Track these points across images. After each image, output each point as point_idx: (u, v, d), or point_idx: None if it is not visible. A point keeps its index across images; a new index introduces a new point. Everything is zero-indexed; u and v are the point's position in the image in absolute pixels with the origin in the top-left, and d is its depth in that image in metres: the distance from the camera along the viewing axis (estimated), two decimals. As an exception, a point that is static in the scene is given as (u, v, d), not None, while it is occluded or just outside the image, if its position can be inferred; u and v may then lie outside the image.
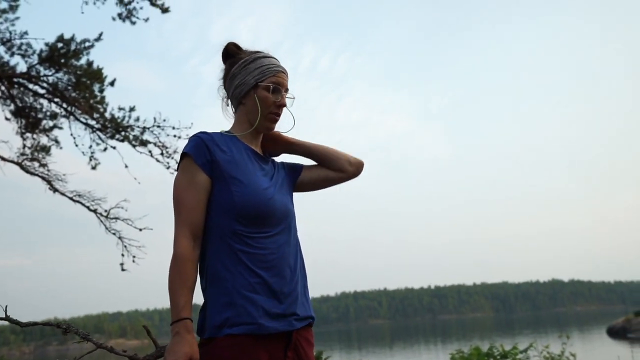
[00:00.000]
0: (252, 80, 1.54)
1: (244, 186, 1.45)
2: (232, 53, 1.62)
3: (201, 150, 1.46)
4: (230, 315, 1.37)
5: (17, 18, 8.13)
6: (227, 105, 1.66)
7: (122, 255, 7.52)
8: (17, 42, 7.76)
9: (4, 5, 8.06)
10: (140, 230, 7.50)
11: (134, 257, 7.56)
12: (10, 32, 7.83)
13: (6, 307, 2.18)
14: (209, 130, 1.56)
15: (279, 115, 1.58)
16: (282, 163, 1.72)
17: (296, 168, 1.69)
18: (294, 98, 1.62)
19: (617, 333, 29.23)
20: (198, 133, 1.51)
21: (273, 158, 1.68)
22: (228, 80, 1.60)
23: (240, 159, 1.50)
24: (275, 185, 1.56)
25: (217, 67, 1.67)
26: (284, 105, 1.58)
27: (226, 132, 1.59)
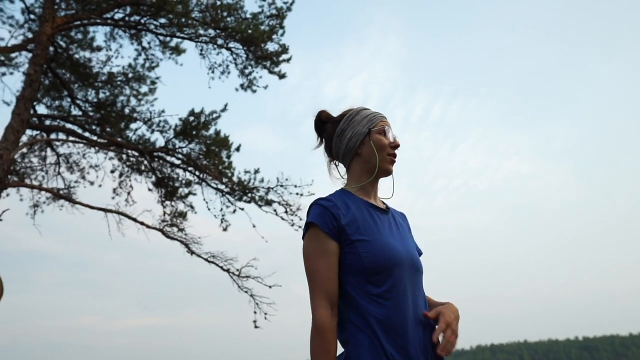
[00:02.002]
0: (364, 129, 1.59)
1: (370, 245, 1.44)
2: (326, 119, 1.69)
3: (326, 218, 1.47)
4: None
5: (156, 99, 9.12)
6: (336, 166, 1.70)
7: (255, 312, 7.75)
8: (156, 120, 8.65)
9: (145, 89, 9.10)
10: (270, 287, 7.72)
11: (265, 314, 7.75)
12: (150, 112, 8.78)
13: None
14: (328, 192, 1.59)
15: (395, 156, 1.61)
16: (404, 216, 1.71)
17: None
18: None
19: None
20: (319, 200, 1.53)
21: (389, 206, 1.67)
22: (336, 137, 1.64)
23: (361, 218, 1.50)
24: (401, 236, 1.55)
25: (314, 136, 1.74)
26: (398, 145, 1.61)
27: (343, 189, 1.60)
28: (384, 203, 1.67)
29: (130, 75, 9.08)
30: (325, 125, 1.70)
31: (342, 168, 1.70)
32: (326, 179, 1.73)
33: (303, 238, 1.52)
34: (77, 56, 9.08)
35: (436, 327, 1.43)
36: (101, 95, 9.10)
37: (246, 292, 7.88)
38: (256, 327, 7.57)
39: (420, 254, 1.68)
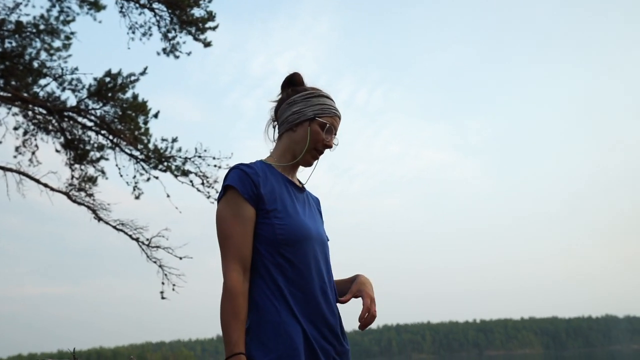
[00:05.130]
0: (310, 113, 1.57)
1: (284, 217, 1.46)
2: (297, 82, 1.65)
3: (247, 183, 1.46)
4: (274, 354, 1.36)
5: (70, 55, 8.56)
6: (273, 128, 1.67)
7: (163, 283, 7.61)
8: (68, 77, 8.14)
9: (58, 43, 8.52)
10: (181, 258, 7.61)
11: (174, 285, 7.64)
12: (62, 69, 8.24)
13: (74, 349, 2.23)
14: (248, 161, 1.57)
15: (321, 153, 1.60)
16: (317, 201, 1.74)
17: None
18: (337, 144, 1.64)
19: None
20: (240, 165, 1.51)
21: (305, 187, 1.68)
22: (286, 104, 1.61)
23: (279, 191, 1.51)
24: (312, 215, 1.59)
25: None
26: (331, 147, 1.60)
27: (265, 160, 1.60)
28: (300, 183, 1.68)
29: (42, 27, 8.44)
30: (289, 87, 1.66)
31: (276, 133, 1.67)
32: (246, 153, 1.70)
33: (219, 201, 1.49)
34: (-20, -1, 8.31)
35: (361, 301, 1.52)
36: (7, 45, 8.41)
37: (155, 262, 7.71)
38: (163, 297, 7.45)
39: (327, 239, 1.70)
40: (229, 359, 1.33)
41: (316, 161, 1.63)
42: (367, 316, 1.50)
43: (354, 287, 1.56)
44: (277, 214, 1.46)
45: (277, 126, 1.66)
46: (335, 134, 1.61)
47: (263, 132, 1.69)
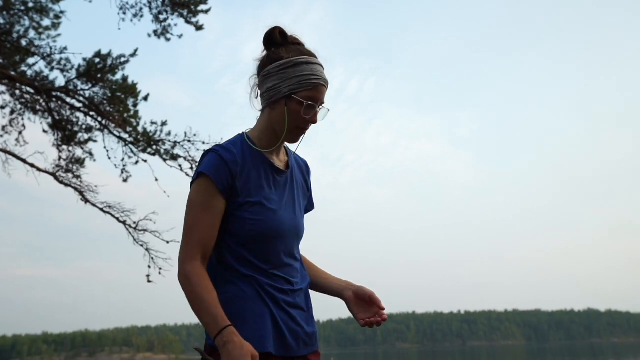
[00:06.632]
0: (286, 89, 1.40)
1: (257, 212, 1.40)
2: (275, 41, 1.46)
3: (222, 173, 1.37)
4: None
5: (59, 35, 8.44)
6: (256, 98, 1.51)
7: (149, 266, 7.58)
8: (57, 57, 8.02)
9: (47, 22, 8.39)
10: (168, 242, 7.57)
11: (160, 269, 7.62)
12: (51, 48, 8.11)
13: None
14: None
15: (305, 130, 1.47)
16: (305, 169, 1.64)
17: (308, 206, 1.65)
18: (328, 110, 1.48)
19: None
20: (218, 149, 1.40)
21: (291, 161, 1.57)
22: (262, 76, 1.45)
23: (256, 179, 1.43)
24: (291, 201, 1.51)
25: (247, 87, 1.54)
26: (315, 122, 1.46)
27: (248, 134, 1.49)
28: (287, 153, 1.57)
29: (31, 4, 8.30)
30: (271, 47, 1.46)
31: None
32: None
33: (192, 184, 1.41)
34: (-32, -25, 8.15)
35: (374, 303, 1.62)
36: (-6, 22, 8.26)
37: (142, 245, 7.68)
38: (149, 281, 7.43)
39: (312, 208, 1.65)
40: (220, 334, 1.27)
41: (302, 136, 1.50)
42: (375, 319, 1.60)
43: (364, 289, 1.60)
44: (250, 207, 1.40)
45: (258, 95, 1.51)
46: (321, 104, 1.45)
47: (249, 101, 1.54)
